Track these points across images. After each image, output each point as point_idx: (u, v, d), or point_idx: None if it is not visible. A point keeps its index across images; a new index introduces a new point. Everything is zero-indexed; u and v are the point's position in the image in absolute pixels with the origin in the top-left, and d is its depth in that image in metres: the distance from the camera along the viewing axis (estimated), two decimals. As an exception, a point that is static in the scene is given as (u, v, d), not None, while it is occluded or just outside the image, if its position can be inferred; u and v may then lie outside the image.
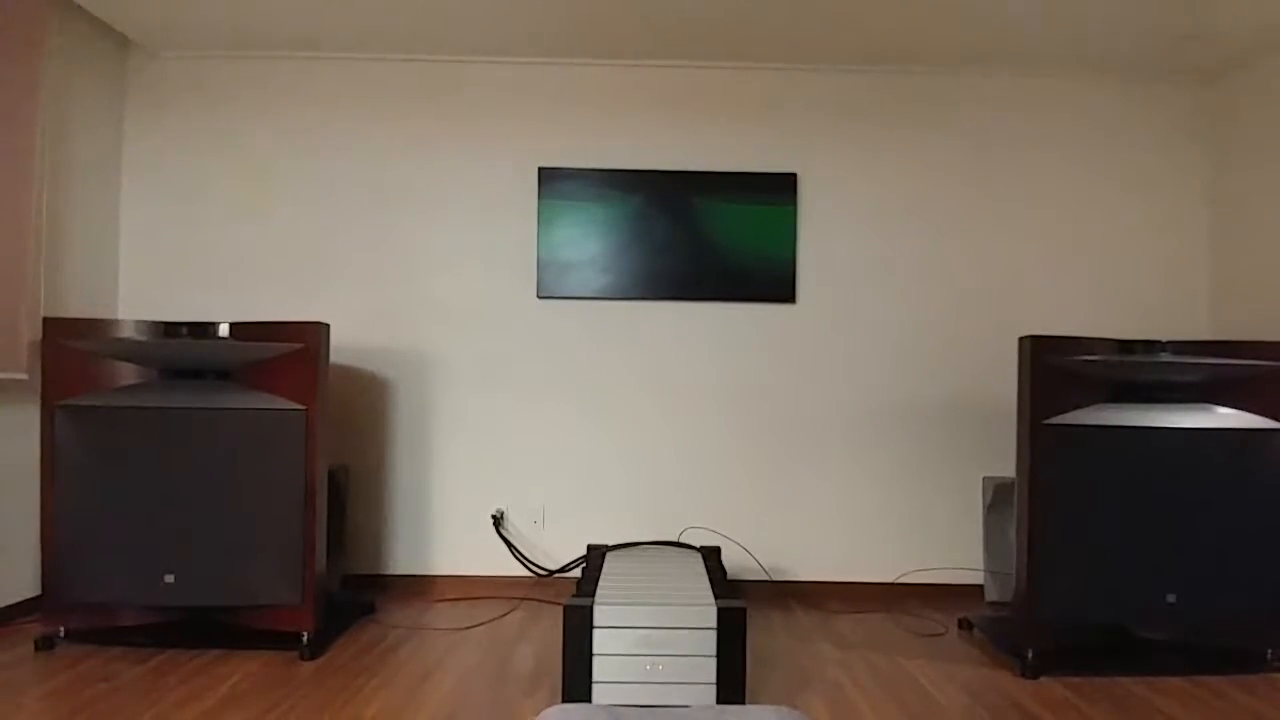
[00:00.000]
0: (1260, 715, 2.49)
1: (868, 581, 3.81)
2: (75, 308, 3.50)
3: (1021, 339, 2.89)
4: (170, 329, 2.97)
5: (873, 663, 2.95)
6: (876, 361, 3.84)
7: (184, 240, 3.82)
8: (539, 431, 3.82)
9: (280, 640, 2.94)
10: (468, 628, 3.28)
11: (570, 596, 2.60)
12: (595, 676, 2.47)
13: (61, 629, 2.93)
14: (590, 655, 2.47)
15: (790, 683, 2.74)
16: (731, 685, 2.46)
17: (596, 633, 2.48)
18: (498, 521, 3.81)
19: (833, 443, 3.83)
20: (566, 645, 2.47)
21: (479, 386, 3.83)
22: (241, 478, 2.89)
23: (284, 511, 2.89)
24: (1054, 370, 2.84)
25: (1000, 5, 3.24)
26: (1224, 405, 2.89)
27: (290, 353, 2.92)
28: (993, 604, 3.61)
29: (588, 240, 3.80)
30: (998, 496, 3.50)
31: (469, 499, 3.81)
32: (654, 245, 3.79)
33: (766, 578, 3.79)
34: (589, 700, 2.46)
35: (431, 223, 3.84)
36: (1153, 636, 3.00)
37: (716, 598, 2.58)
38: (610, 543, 3.69)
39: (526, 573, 3.80)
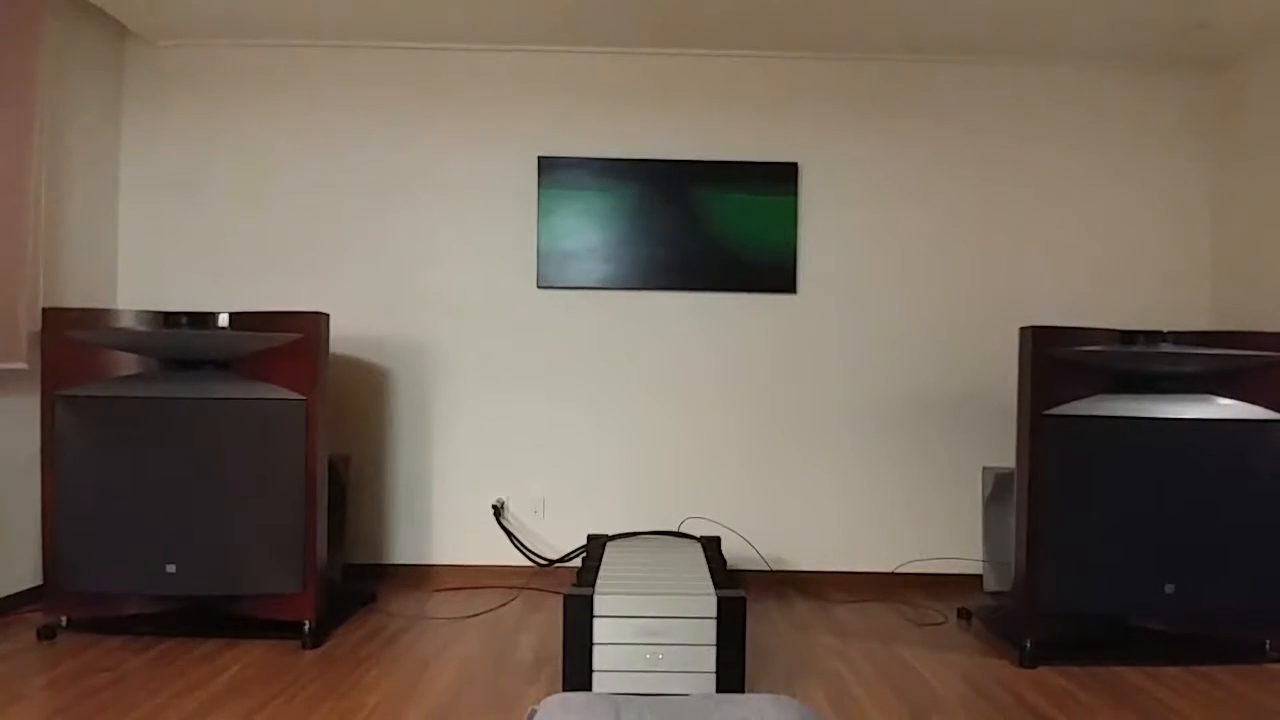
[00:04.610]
0: (1258, 705, 2.50)
1: (867, 571, 3.81)
2: (74, 298, 3.49)
3: (1022, 330, 2.89)
4: (170, 319, 2.97)
5: (871, 652, 2.95)
6: (877, 352, 3.84)
7: (183, 230, 3.81)
8: (539, 421, 3.82)
9: (282, 629, 2.95)
10: (468, 617, 3.29)
11: (570, 586, 2.60)
12: (595, 665, 2.48)
13: (63, 618, 2.94)
14: (590, 644, 2.48)
15: (789, 671, 2.74)
16: (731, 674, 2.47)
17: (597, 622, 2.48)
18: (498, 511, 3.81)
19: (833, 433, 3.83)
20: (567, 634, 2.48)
21: (479, 376, 3.83)
22: (242, 468, 2.89)
23: (285, 501, 2.90)
24: (1055, 361, 2.84)
25: (1003, -7, 3.23)
26: (1225, 396, 2.89)
27: (290, 343, 2.92)
28: (992, 594, 3.62)
29: (587, 230, 3.79)
30: (998, 487, 3.50)
31: (469, 489, 3.82)
32: (654, 235, 3.78)
33: (766, 567, 3.80)
34: (589, 689, 2.47)
35: (431, 212, 3.83)
36: (1151, 627, 3.01)
37: (716, 587, 2.59)
38: (610, 532, 3.70)
39: (527, 562, 3.81)
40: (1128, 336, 2.92)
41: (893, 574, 3.81)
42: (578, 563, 3.76)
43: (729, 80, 3.84)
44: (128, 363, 2.97)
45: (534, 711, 1.64)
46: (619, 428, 3.83)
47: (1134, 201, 3.87)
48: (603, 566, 2.86)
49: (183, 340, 2.92)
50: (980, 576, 3.78)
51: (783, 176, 3.80)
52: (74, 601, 2.92)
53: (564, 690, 2.48)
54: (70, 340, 2.90)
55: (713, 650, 2.48)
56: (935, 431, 3.83)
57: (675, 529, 3.77)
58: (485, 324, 3.83)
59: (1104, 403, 2.85)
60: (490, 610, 3.39)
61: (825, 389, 3.84)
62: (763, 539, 3.82)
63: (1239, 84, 3.75)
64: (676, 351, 3.83)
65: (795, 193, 3.80)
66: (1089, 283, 3.86)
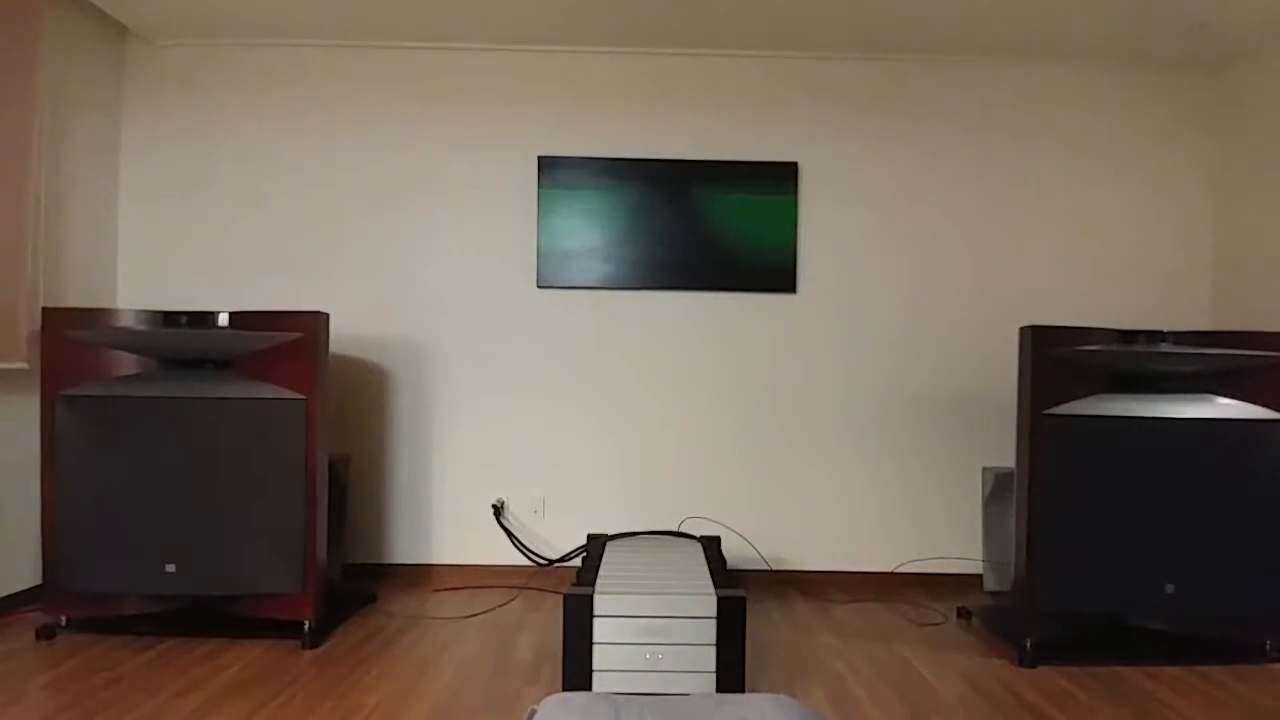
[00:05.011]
0: (1258, 705, 2.49)
1: (867, 571, 3.81)
2: (74, 297, 3.49)
3: (1022, 329, 2.89)
4: (169, 318, 2.97)
5: (871, 652, 2.95)
6: (877, 351, 3.84)
7: (183, 229, 3.81)
8: (539, 421, 3.82)
9: (281, 629, 2.95)
10: (468, 617, 3.29)
11: (570, 585, 2.60)
12: (595, 665, 2.48)
13: (63, 618, 2.94)
14: (590, 644, 2.48)
15: (789, 671, 2.74)
16: (731, 674, 2.47)
17: (597, 621, 2.48)
18: (498, 511, 3.81)
19: (833, 432, 3.83)
20: (567, 634, 2.48)
21: (479, 376, 3.83)
22: (242, 467, 2.89)
23: (285, 501, 2.90)
24: (1055, 361, 2.84)
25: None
26: (1225, 396, 2.89)
27: (290, 342, 2.92)
28: (992, 593, 3.61)
29: (587, 230, 3.79)
30: (998, 487, 3.50)
31: (469, 488, 3.82)
32: (654, 235, 3.78)
33: (766, 567, 3.80)
34: (589, 689, 2.47)
35: (431, 212, 3.83)
36: (1151, 627, 3.01)
37: (716, 587, 2.59)
38: (610, 532, 3.70)
39: (527, 562, 3.81)
40: (1128, 336, 2.92)
41: (893, 574, 3.81)
42: (578, 562, 3.76)
43: (729, 80, 3.84)
44: (128, 362, 2.97)
45: (534, 711, 1.64)
46: (619, 427, 3.83)
47: (1134, 201, 3.87)
48: (603, 566, 2.86)
49: (183, 340, 2.92)
50: (980, 576, 3.78)
51: (782, 176, 3.80)
52: (74, 601, 2.92)
53: (564, 690, 2.48)
54: (70, 340, 2.90)
55: (713, 650, 2.47)
56: (935, 431, 3.83)
57: (675, 529, 3.77)
58: (485, 324, 3.83)
59: (1104, 403, 2.85)
60: (490, 610, 3.39)
61: (825, 389, 3.83)
62: (763, 539, 3.82)
63: (1239, 84, 3.75)
64: (676, 351, 3.83)
65: (795, 192, 3.80)
66: (1089, 283, 3.86)
